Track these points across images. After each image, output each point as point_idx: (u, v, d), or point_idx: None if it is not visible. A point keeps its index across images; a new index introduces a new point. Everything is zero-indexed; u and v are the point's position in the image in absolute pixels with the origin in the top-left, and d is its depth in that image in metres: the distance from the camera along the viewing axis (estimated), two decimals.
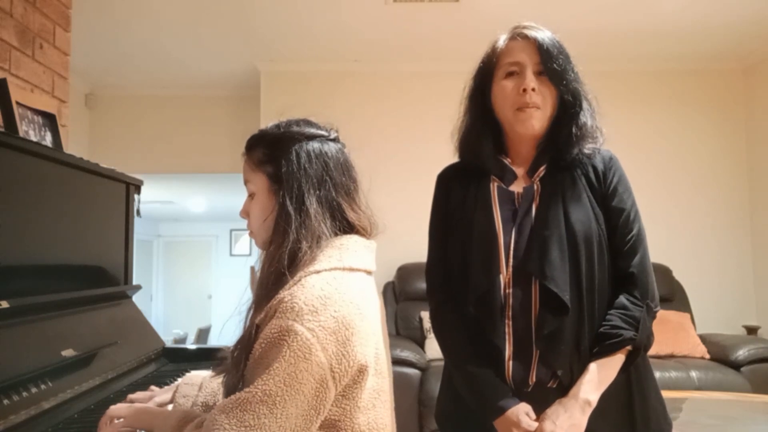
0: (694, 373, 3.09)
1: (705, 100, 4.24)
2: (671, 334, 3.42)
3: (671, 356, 3.36)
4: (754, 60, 4.12)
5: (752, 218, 4.18)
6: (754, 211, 4.16)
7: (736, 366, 3.19)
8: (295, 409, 0.81)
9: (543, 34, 1.17)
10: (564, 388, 1.10)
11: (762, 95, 4.09)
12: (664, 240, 4.00)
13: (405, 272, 3.84)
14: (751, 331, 3.89)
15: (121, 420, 0.99)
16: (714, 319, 3.97)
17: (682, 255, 4.01)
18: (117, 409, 1.01)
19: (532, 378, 1.11)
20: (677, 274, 3.81)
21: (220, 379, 0.99)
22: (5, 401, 1.03)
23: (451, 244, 1.21)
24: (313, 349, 0.82)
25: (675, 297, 3.74)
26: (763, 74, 4.09)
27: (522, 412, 1.08)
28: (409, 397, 3.03)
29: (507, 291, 1.12)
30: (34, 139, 1.66)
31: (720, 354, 3.31)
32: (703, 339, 3.51)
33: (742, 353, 3.21)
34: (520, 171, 1.22)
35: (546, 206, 1.15)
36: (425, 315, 3.59)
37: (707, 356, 3.37)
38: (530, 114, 1.15)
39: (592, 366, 1.09)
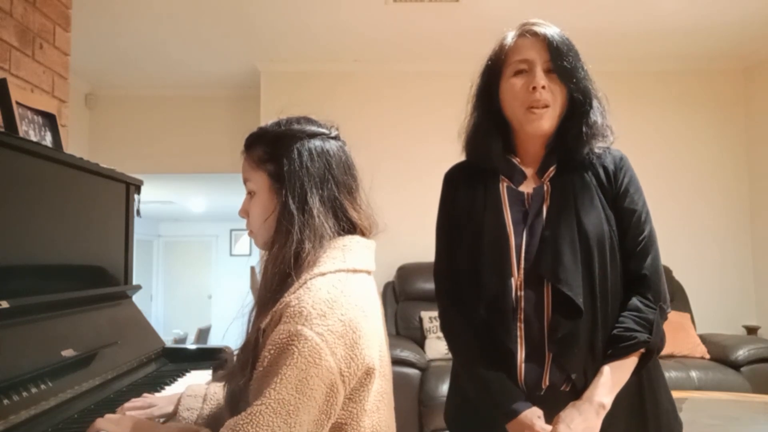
0: (694, 373, 3.09)
1: (705, 100, 4.24)
2: (671, 334, 3.41)
3: (671, 356, 3.36)
4: (754, 60, 4.12)
5: (752, 218, 4.17)
6: (754, 211, 4.16)
7: (736, 366, 3.19)
8: (307, 416, 0.80)
9: (552, 31, 1.15)
10: (577, 391, 1.08)
11: (762, 95, 4.09)
12: (664, 240, 3.93)
13: (405, 272, 3.84)
14: (751, 331, 3.89)
15: None
16: (714, 319, 3.97)
17: (682, 255, 4.00)
18: (105, 421, 0.96)
19: (546, 381, 1.10)
20: (677, 274, 3.80)
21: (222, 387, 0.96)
22: (5, 401, 1.03)
23: (460, 246, 1.19)
24: (323, 353, 0.80)
25: (675, 297, 3.74)
26: (763, 74, 4.09)
27: (536, 415, 1.06)
28: (409, 397, 3.02)
29: (519, 294, 1.11)
30: (34, 139, 1.66)
31: (720, 354, 3.32)
32: (703, 339, 3.51)
33: (742, 353, 3.21)
34: (529, 171, 1.20)
35: (557, 208, 1.13)
36: (425, 315, 3.59)
37: (707, 356, 3.37)
38: (540, 114, 1.12)
39: (606, 369, 1.07)
